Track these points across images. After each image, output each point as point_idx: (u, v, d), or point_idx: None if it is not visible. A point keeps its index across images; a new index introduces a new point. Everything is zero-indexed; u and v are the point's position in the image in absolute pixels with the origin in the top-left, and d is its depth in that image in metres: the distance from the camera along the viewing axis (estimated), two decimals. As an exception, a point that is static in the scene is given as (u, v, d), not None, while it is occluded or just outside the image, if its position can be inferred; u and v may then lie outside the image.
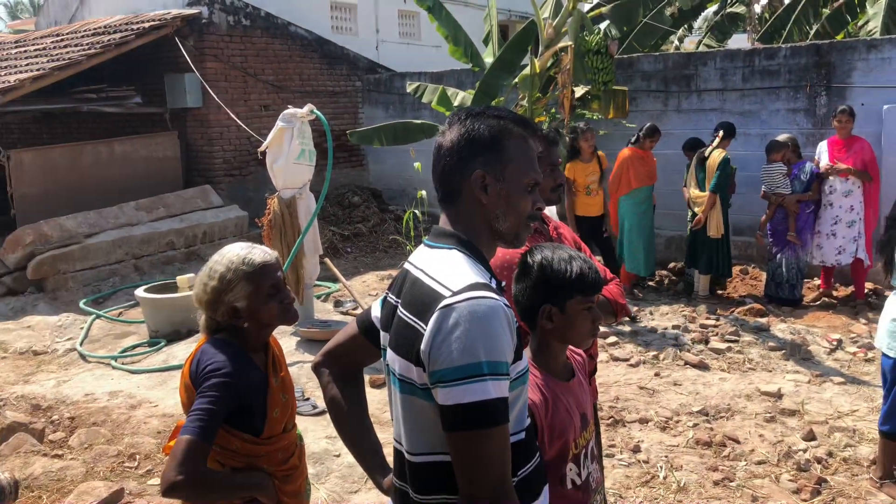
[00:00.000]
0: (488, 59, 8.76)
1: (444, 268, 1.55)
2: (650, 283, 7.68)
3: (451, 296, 1.47)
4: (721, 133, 6.84)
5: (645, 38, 10.95)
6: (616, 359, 5.58)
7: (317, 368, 1.95)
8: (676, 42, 15.09)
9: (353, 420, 1.89)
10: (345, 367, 1.93)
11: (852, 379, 5.09)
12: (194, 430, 1.95)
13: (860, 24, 10.45)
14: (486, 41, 9.36)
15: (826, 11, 11.14)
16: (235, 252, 2.17)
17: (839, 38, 10.76)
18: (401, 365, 1.57)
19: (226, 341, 2.15)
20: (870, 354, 5.43)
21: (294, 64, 10.95)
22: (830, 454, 4.05)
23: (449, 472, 1.51)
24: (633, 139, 7.35)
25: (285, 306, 2.20)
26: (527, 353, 2.04)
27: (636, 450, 4.16)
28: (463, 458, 1.46)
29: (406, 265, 1.66)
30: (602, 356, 5.66)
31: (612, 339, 5.96)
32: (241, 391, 2.06)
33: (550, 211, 3.22)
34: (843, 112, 6.55)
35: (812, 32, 10.67)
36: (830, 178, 6.61)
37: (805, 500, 3.61)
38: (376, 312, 1.80)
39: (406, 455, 1.60)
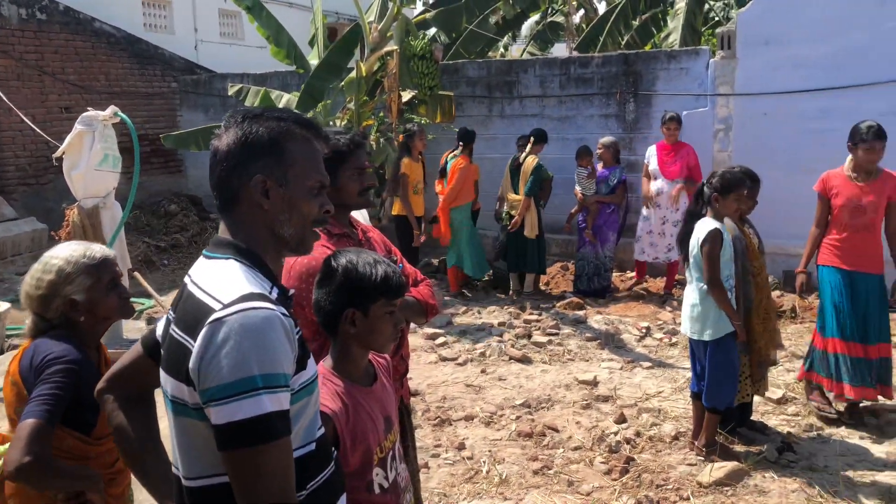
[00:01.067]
0: (314, 62, 8.72)
1: (217, 279, 1.50)
2: (479, 283, 8.00)
3: (221, 309, 1.43)
4: (532, 139, 7.30)
5: (471, 45, 11.39)
6: (444, 359, 5.76)
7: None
8: (502, 49, 15.83)
9: (142, 447, 1.80)
10: (131, 391, 1.83)
11: (659, 363, 5.61)
12: (39, 413, 1.97)
13: (664, 35, 11.54)
14: (311, 43, 9.31)
15: (636, 23, 12.17)
16: (72, 247, 2.25)
17: (647, 48, 11.84)
18: (172, 385, 1.51)
19: (62, 335, 2.19)
20: (674, 339, 6.01)
21: (99, 63, 10.27)
22: (638, 434, 4.43)
23: (228, 493, 1.46)
24: (457, 149, 7.61)
25: (123, 300, 2.30)
26: (326, 362, 2.08)
27: (461, 447, 4.32)
28: (240, 478, 1.42)
29: (185, 278, 1.60)
30: (431, 357, 5.82)
31: (441, 339, 6.15)
32: (81, 382, 2.09)
33: (361, 215, 3.28)
34: (671, 120, 7.20)
35: (623, 42, 11.62)
36: (656, 181, 7.24)
37: (615, 479, 3.92)
38: (160, 330, 1.72)
39: (183, 480, 1.55)
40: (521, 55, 13.59)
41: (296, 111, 1.71)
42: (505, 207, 7.52)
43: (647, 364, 5.56)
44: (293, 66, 8.79)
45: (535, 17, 14.90)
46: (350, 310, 1.96)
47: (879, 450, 4.13)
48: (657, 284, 7.54)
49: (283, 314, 1.48)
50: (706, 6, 12.39)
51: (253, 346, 1.40)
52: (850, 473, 3.87)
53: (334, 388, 2.00)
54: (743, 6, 8.69)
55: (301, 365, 1.55)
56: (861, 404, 4.54)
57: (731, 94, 7.70)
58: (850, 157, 4.42)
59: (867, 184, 4.34)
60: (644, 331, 6.26)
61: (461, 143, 7.43)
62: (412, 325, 6.09)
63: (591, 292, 7.36)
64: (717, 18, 13.02)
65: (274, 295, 1.54)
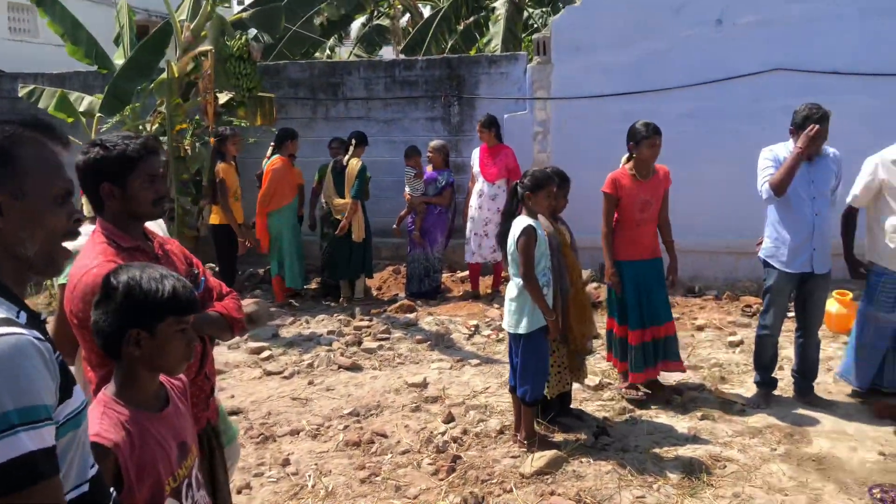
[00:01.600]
0: (119, 61, 8.16)
1: None
2: (306, 292, 7.87)
3: None
4: (354, 142, 7.30)
5: (296, 46, 11.18)
6: (270, 373, 5.58)
7: None
8: (329, 52, 15.71)
9: None
10: None
11: (486, 359, 5.78)
12: None
13: (486, 41, 11.98)
14: (117, 41, 8.71)
15: (460, 28, 12.53)
16: None
17: (472, 52, 12.22)
18: None
19: None
20: (500, 335, 6.22)
21: None
22: (465, 432, 4.52)
23: None
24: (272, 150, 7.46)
25: None
26: (108, 388, 1.92)
27: (286, 463, 4.19)
28: None
29: None
30: (255, 372, 5.62)
31: (267, 353, 5.97)
32: None
33: (159, 226, 3.08)
34: (480, 123, 7.41)
35: (448, 47, 11.91)
36: (479, 183, 7.43)
37: (442, 479, 3.98)
38: None
39: None
40: (349, 57, 13.55)
41: (31, 114, 1.54)
42: (318, 212, 7.48)
43: (476, 361, 5.71)
44: (94, 65, 8.17)
45: (361, 20, 14.90)
46: (134, 330, 1.83)
47: (682, 425, 4.50)
48: (486, 283, 7.77)
49: (38, 338, 1.34)
50: (525, 13, 13.01)
51: (3, 378, 1.26)
52: (657, 450, 4.19)
53: (117, 416, 1.85)
54: (558, 13, 9.21)
55: (66, 393, 1.40)
56: (667, 384, 4.95)
57: (548, 98, 8.11)
58: (625, 157, 4.86)
59: (647, 180, 4.76)
60: (473, 329, 6.43)
61: (273, 144, 7.35)
62: (236, 340, 5.85)
63: (422, 294, 7.47)
64: (535, 25, 13.72)
65: (22, 320, 1.38)
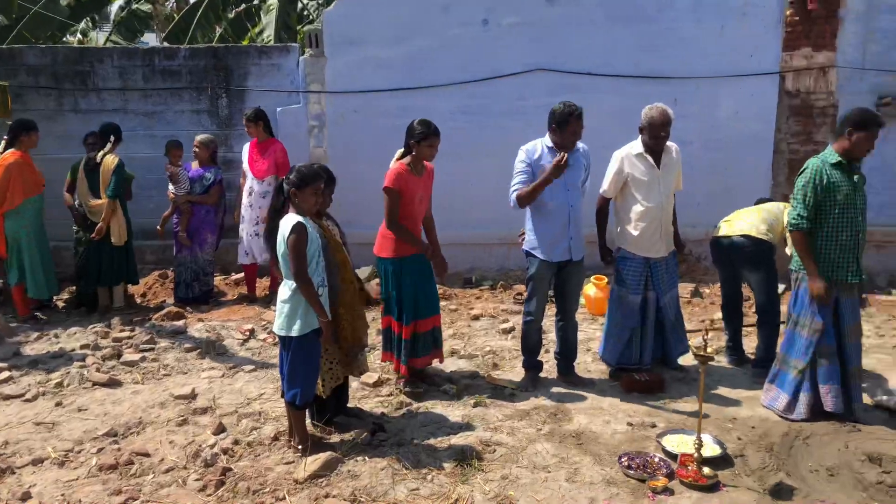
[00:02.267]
0: None
1: None
2: (57, 303, 7.12)
3: None
4: (113, 137, 6.73)
5: (38, 29, 10.06)
6: (9, 397, 4.95)
7: None
8: (80, 36, 14.33)
9: None
10: None
11: (262, 364, 5.58)
12: None
13: (258, 31, 11.60)
14: None
15: (230, 16, 12.01)
16: None
17: (245, 42, 11.76)
18: None
19: None
20: (277, 338, 6.04)
21: None
22: (237, 442, 4.32)
23: None
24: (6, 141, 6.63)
25: None
26: None
27: (26, 497, 3.73)
28: None
29: None
30: (-12, 398, 4.96)
31: (6, 374, 5.29)
32: None
33: None
34: (245, 116, 7.10)
35: (217, 36, 11.36)
36: (249, 180, 7.11)
37: (210, 495, 3.76)
38: None
39: None
40: (105, 43, 12.44)
41: None
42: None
43: (250, 367, 5.50)
44: None
45: (119, 2, 13.76)
46: None
47: (456, 414, 4.67)
48: (263, 285, 7.51)
49: None
50: (300, 4, 12.79)
51: None
52: (431, 441, 4.29)
53: None
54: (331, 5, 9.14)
55: None
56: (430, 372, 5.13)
57: (322, 92, 8.03)
58: (399, 152, 4.96)
59: (421, 176, 4.90)
60: (248, 333, 6.19)
61: (7, 138, 6.53)
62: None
63: (192, 299, 7.05)
64: (311, 17, 13.53)
65: None
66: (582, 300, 6.89)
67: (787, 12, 7.69)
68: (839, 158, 4.46)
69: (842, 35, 7.70)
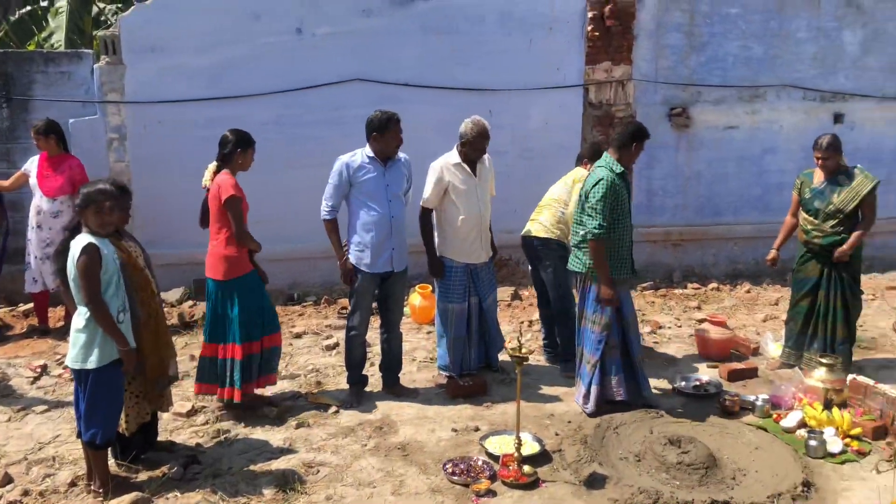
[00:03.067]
0: None
1: None
2: None
3: None
4: None
5: None
6: None
7: None
8: None
9: None
10: None
11: (56, 403, 5.10)
12: None
13: (45, 35, 10.69)
14: None
15: (13, 18, 10.98)
16: None
17: (31, 47, 10.77)
18: None
19: None
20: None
21: None
22: (26, 493, 3.91)
23: None
24: None
25: None
26: None
27: None
28: None
29: None
30: None
31: None
32: None
33: None
34: (34, 129, 6.52)
35: (-3, 40, 10.34)
36: (37, 198, 6.48)
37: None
38: None
39: None
40: None
41: None
42: None
43: (43, 408, 5.01)
44: None
45: None
46: None
47: (278, 437, 4.53)
48: (57, 314, 6.88)
49: None
50: (96, 8, 11.94)
51: None
52: (251, 468, 4.13)
53: None
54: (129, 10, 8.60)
55: None
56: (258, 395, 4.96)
57: (122, 102, 7.53)
58: (213, 165, 4.82)
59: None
60: (40, 370, 5.63)
61: None
62: None
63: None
64: (109, 22, 12.66)
65: None
66: (407, 310, 6.96)
67: (589, 28, 8.26)
68: (622, 168, 4.84)
69: (636, 50, 8.40)
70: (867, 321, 6.98)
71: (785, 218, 5.85)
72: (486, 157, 5.32)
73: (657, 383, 5.38)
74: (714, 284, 8.31)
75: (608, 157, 4.87)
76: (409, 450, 4.37)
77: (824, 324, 5.47)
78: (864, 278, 8.44)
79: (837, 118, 8.97)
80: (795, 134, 8.81)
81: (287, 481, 3.95)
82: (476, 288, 5.34)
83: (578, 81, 8.34)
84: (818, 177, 5.47)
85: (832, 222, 5.34)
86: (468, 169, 5.17)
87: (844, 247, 5.28)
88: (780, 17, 8.62)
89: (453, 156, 5.20)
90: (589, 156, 5.78)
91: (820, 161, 5.36)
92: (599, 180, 4.73)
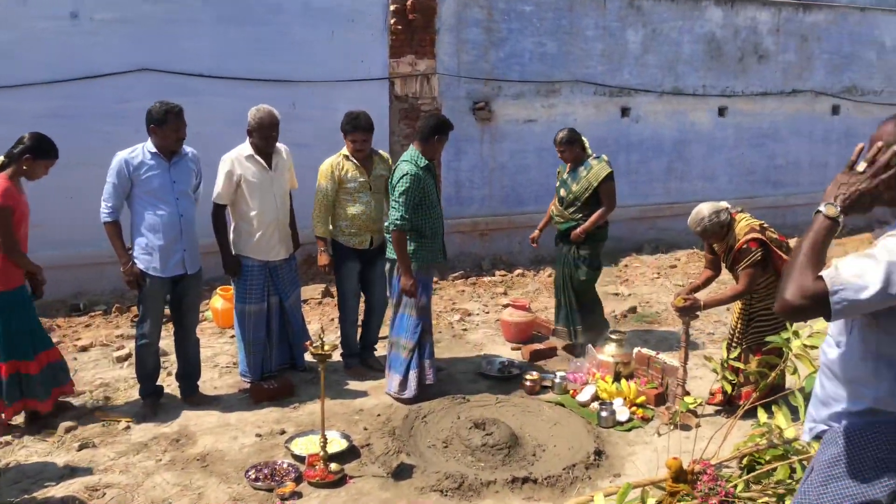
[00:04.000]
0: None
1: None
2: None
3: None
4: None
5: None
6: None
7: None
8: None
9: None
10: None
11: None
12: None
13: None
14: None
15: None
16: None
17: None
18: None
19: None
20: None
21: None
22: None
23: None
24: None
25: None
26: None
27: None
28: None
29: None
30: None
31: None
32: None
33: None
34: None
35: None
36: None
37: None
38: None
39: None
40: None
41: None
42: None
43: None
44: None
45: None
46: None
47: (59, 461, 4.15)
48: None
49: None
50: None
51: None
52: (27, 497, 3.76)
53: None
54: None
55: None
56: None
57: None
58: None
59: (22, 194, 4.35)
60: None
61: None
62: None
63: None
64: None
65: None
66: (210, 314, 6.67)
67: (391, 21, 8.33)
68: (426, 161, 4.94)
69: (439, 45, 8.60)
70: (652, 297, 7.65)
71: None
72: (283, 148, 5.19)
73: (466, 368, 5.55)
74: (520, 270, 8.71)
75: (413, 151, 4.96)
76: (209, 460, 4.18)
77: (566, 297, 5.87)
78: (650, 258, 9.29)
79: (625, 112, 9.75)
80: (588, 126, 9.44)
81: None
82: (276, 287, 5.21)
83: (383, 74, 8.39)
84: (568, 168, 5.87)
85: (571, 209, 5.76)
86: (262, 161, 5.02)
87: (578, 230, 5.68)
88: (570, 15, 9.20)
89: (245, 148, 5.03)
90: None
91: (560, 154, 5.77)
92: (404, 175, 4.81)
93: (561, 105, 9.35)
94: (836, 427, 2.15)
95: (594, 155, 5.82)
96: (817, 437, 2.25)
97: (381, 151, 5.55)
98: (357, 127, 5.19)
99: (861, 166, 2.01)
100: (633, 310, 7.17)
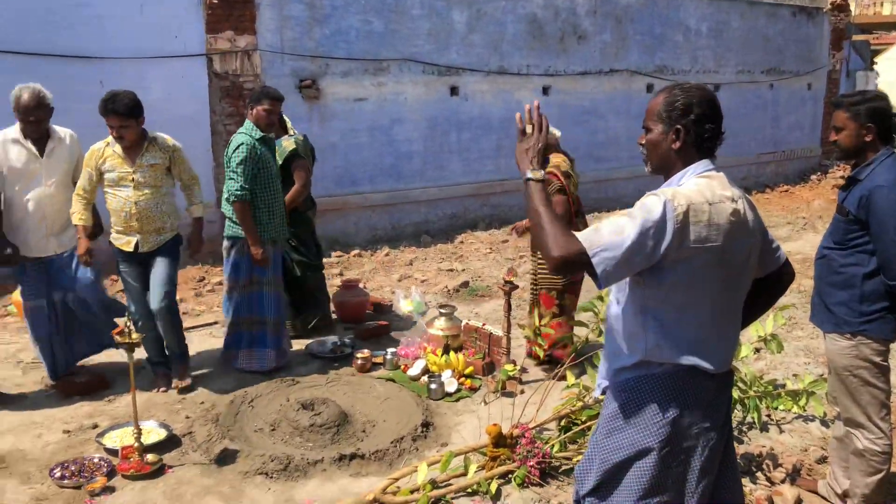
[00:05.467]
0: None
1: None
2: None
3: None
4: None
5: None
6: None
7: None
8: None
9: None
10: None
11: None
12: None
13: None
14: None
15: None
16: None
17: None
18: None
19: None
20: None
21: None
22: None
23: None
24: None
25: None
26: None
27: None
28: None
29: None
30: None
31: None
32: None
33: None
34: None
35: None
36: None
37: None
38: None
39: None
40: None
41: None
42: None
43: None
44: None
45: None
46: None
47: None
48: None
49: None
50: None
51: None
52: None
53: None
54: None
55: None
56: None
57: None
58: None
59: None
60: None
61: None
62: None
63: None
64: None
65: None
66: (12, 308, 6.22)
67: (206, -6, 8.04)
68: (261, 133, 4.94)
69: (260, 20, 8.40)
70: (484, 272, 7.96)
71: None
72: (66, 133, 4.75)
73: (297, 349, 5.54)
74: (356, 251, 8.76)
75: (248, 123, 5.05)
76: (9, 461, 3.91)
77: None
78: (483, 234, 9.64)
79: (454, 90, 10.00)
80: (419, 105, 9.63)
81: None
82: (57, 282, 4.76)
83: (200, 51, 8.10)
84: None
85: None
86: (30, 147, 4.57)
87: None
88: (395, -7, 9.29)
89: (13, 130, 4.58)
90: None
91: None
92: (239, 145, 4.92)
93: (391, 84, 9.44)
94: (616, 381, 2.34)
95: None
96: (604, 393, 2.45)
97: (163, 137, 4.79)
98: (110, 110, 4.47)
99: (528, 129, 2.34)
100: (465, 284, 7.42)
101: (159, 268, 4.73)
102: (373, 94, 9.32)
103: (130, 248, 4.68)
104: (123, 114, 4.47)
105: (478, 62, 10.11)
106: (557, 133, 5.17)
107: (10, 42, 6.99)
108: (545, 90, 10.91)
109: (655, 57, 12.17)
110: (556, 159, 5.05)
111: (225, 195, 5.03)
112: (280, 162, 5.48)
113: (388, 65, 9.38)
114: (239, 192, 4.84)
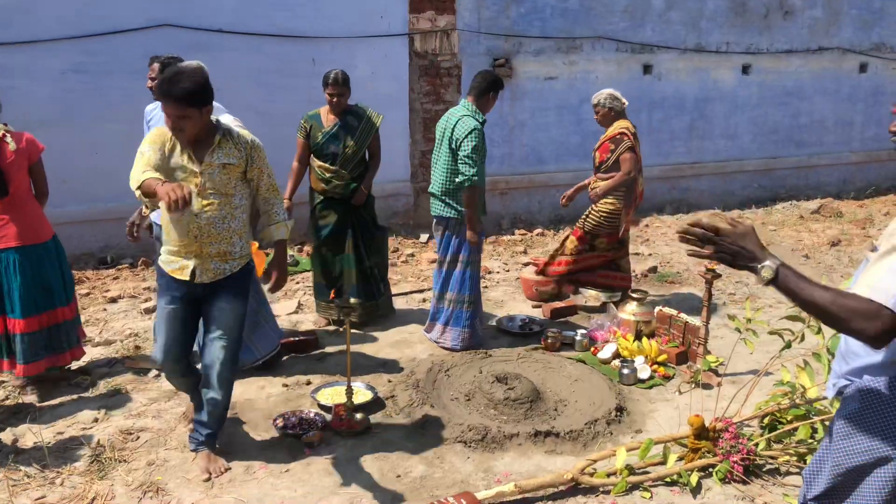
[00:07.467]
0: None
1: None
2: None
3: None
4: None
5: None
6: None
7: None
8: None
9: None
10: None
11: None
12: None
13: None
14: None
15: None
16: None
17: None
18: None
19: None
20: None
21: None
22: None
23: None
24: None
25: None
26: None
27: None
28: None
29: None
30: None
31: None
32: None
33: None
34: None
35: None
36: None
37: None
38: None
39: None
40: None
41: None
42: None
43: None
44: None
45: None
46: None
47: (91, 407, 4.25)
48: None
49: None
50: None
51: None
52: (64, 440, 3.87)
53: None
54: None
55: None
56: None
57: None
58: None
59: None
60: None
61: None
62: None
63: None
64: None
65: None
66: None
67: (411, -25, 8.23)
68: (483, 117, 4.98)
69: (459, 0, 8.49)
70: (673, 258, 7.64)
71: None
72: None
73: (487, 325, 5.61)
74: (539, 230, 8.72)
75: (470, 106, 5.02)
76: (238, 408, 4.28)
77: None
78: (670, 219, 9.26)
79: (647, 69, 9.62)
80: (610, 84, 9.30)
81: (102, 451, 3.74)
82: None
83: (403, 30, 8.32)
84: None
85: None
86: None
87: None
88: (593, -31, 9.04)
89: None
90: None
91: (596, 116, 5.89)
92: (472, 130, 4.88)
93: (582, 62, 9.24)
94: (857, 382, 2.15)
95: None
96: (840, 393, 2.25)
97: (238, 130, 3.59)
98: (166, 93, 3.24)
99: (723, 224, 2.01)
100: (653, 269, 7.17)
101: (222, 309, 3.54)
102: (563, 73, 9.17)
103: (186, 276, 3.48)
104: (182, 100, 3.22)
105: (674, 39, 9.64)
106: (626, 102, 5.79)
107: (238, 24, 7.54)
108: (745, 69, 10.22)
109: (873, 33, 11.02)
110: (623, 122, 5.65)
111: (447, 178, 5.00)
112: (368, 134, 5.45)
113: (581, 43, 9.17)
114: (476, 179, 4.89)
